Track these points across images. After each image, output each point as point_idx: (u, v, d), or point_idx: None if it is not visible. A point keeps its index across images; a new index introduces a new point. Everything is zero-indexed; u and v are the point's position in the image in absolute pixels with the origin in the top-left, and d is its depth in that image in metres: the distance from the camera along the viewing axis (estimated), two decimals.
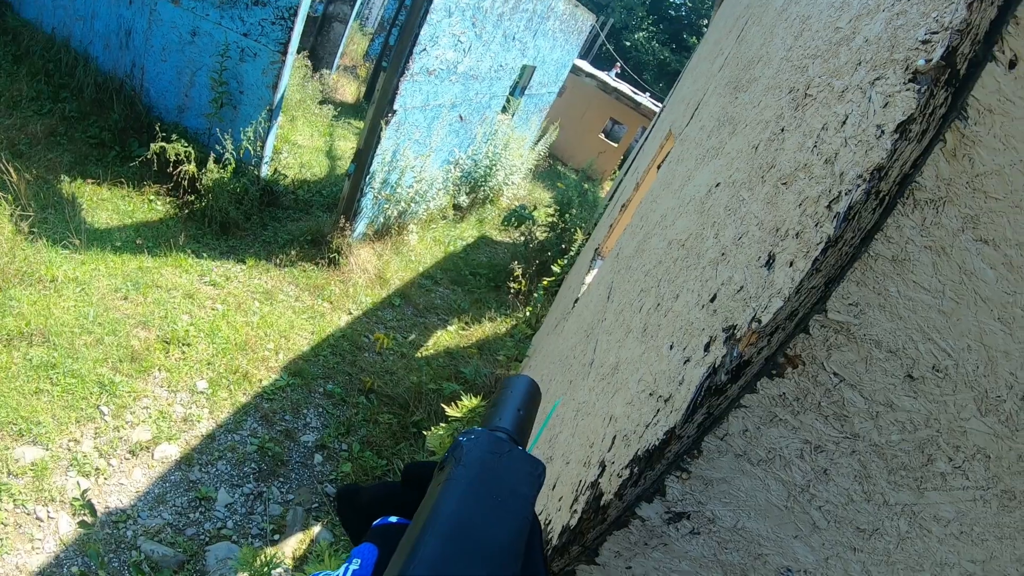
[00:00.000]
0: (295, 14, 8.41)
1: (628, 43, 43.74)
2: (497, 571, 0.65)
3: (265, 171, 9.60)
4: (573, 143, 24.93)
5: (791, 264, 1.31)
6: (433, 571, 0.62)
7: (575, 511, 1.78)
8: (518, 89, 15.45)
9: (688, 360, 1.59)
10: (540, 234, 12.56)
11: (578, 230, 11.43)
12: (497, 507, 0.71)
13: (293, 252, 9.08)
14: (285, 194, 10.29)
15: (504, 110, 14.59)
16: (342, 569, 0.76)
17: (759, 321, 1.31)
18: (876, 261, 1.21)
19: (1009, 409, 1.24)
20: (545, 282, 10.10)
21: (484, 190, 14.41)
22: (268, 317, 7.69)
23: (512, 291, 11.13)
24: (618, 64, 31.07)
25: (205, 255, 8.19)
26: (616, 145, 25.89)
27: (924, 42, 1.24)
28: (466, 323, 9.91)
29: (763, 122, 2.13)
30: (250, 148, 8.96)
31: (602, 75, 25.38)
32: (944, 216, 1.18)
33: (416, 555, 0.63)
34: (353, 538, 0.90)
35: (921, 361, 1.26)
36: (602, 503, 1.61)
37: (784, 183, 1.58)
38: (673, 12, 46.13)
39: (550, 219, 12.55)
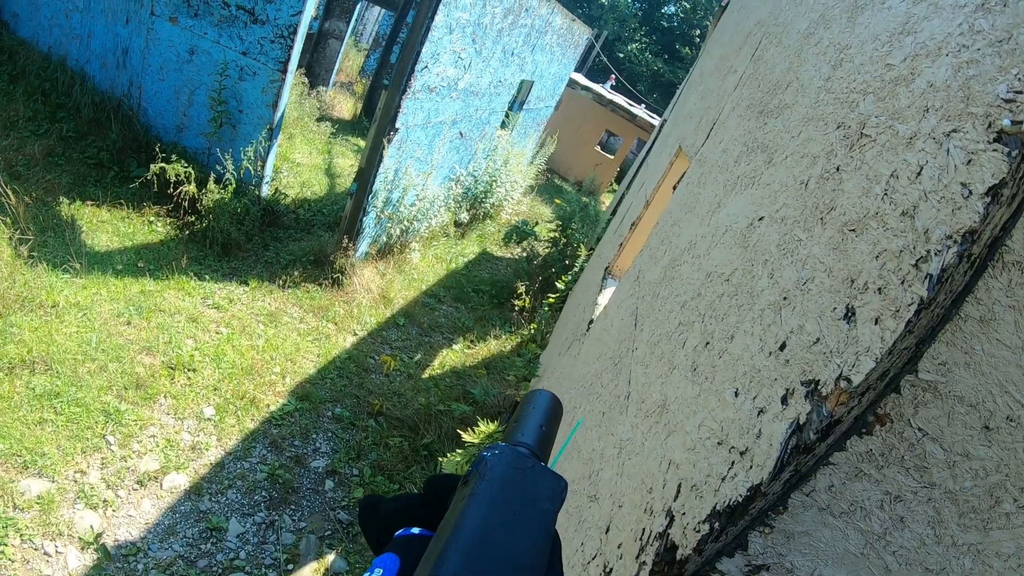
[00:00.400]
0: (294, 32, 8.38)
1: (621, 55, 43.92)
2: None
3: (266, 191, 9.56)
4: (570, 156, 24.96)
5: (876, 321, 1.28)
6: None
7: (643, 563, 1.74)
8: (517, 104, 15.46)
9: (763, 411, 1.54)
10: (542, 250, 12.53)
11: (581, 245, 11.38)
12: (521, 523, 0.71)
13: (296, 273, 9.02)
14: (286, 214, 10.24)
15: (503, 125, 14.59)
16: None
17: (848, 380, 1.27)
18: (965, 322, 1.22)
19: None
20: (550, 299, 10.04)
21: (485, 206, 14.40)
22: (273, 340, 7.61)
23: (516, 308, 11.08)
24: (613, 76, 31.21)
25: (207, 277, 8.12)
26: (612, 157, 25.94)
27: (1008, 100, 1.23)
28: (471, 341, 9.85)
29: (809, 156, 2.08)
30: (250, 168, 8.91)
31: (597, 87, 25.45)
32: None
33: (440, 568, 0.64)
34: (374, 549, 0.91)
35: (998, 412, 1.27)
36: (678, 557, 1.58)
37: (852, 230, 1.54)
38: (665, 23, 46.37)
39: (552, 234, 12.51)
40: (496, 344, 9.96)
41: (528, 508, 0.73)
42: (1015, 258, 1.17)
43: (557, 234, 12.31)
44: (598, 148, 26.16)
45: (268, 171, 9.34)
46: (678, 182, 4.91)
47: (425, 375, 8.51)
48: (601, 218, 13.73)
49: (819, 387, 1.36)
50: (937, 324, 1.20)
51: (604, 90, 25.60)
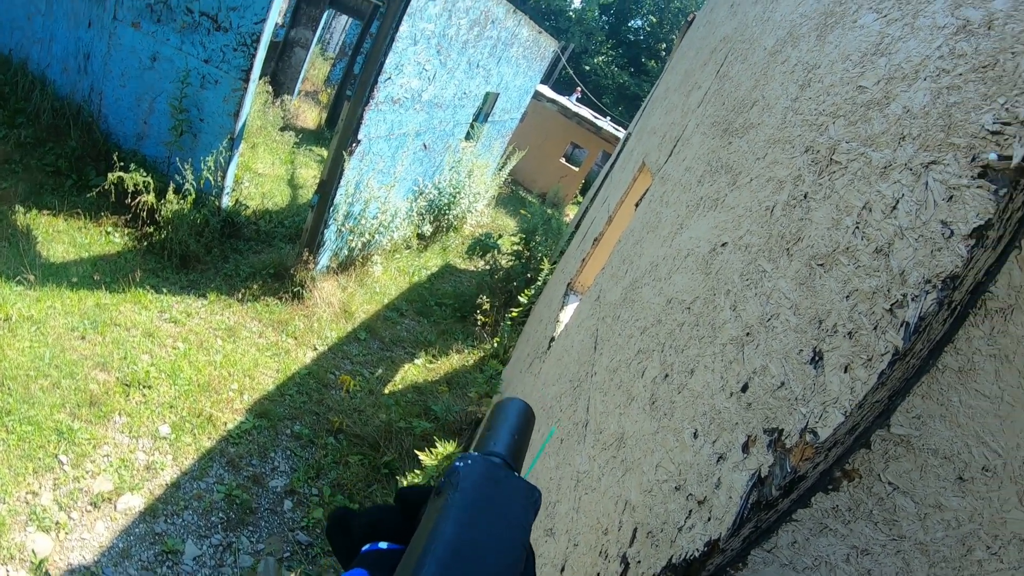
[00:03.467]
0: (257, 40, 8.29)
1: (588, 67, 44.12)
2: None
3: (226, 202, 9.42)
4: (535, 168, 24.98)
5: (846, 369, 1.24)
6: None
7: None
8: (481, 116, 15.42)
9: (723, 458, 1.50)
10: (505, 263, 12.47)
11: (544, 259, 11.35)
12: (495, 533, 0.71)
13: (256, 286, 8.89)
14: (247, 225, 10.09)
15: (468, 137, 14.54)
16: None
17: (815, 434, 1.23)
18: (943, 373, 1.17)
19: None
20: (513, 313, 9.99)
21: (448, 218, 14.33)
22: (231, 355, 7.48)
23: (479, 323, 11.02)
24: (579, 89, 31.31)
25: (165, 290, 7.97)
26: (577, 169, 26.02)
27: (994, 133, 1.17)
28: (433, 356, 9.77)
29: (775, 180, 2.05)
30: (211, 178, 8.78)
31: (563, 100, 25.52)
32: (1011, 324, 1.14)
33: None
34: (343, 564, 0.88)
35: (973, 463, 1.23)
36: None
37: (821, 264, 1.50)
38: (632, 37, 46.66)
39: (515, 247, 12.47)
40: (459, 359, 9.90)
41: (502, 519, 0.73)
42: (999, 305, 1.13)
43: (521, 247, 12.28)
44: (563, 160, 26.24)
45: (229, 181, 9.21)
46: (640, 199, 4.89)
47: (386, 391, 8.42)
48: (564, 231, 13.73)
49: (783, 437, 1.31)
50: (912, 376, 1.16)
51: (570, 103, 25.67)
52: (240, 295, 8.62)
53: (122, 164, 8.24)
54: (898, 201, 1.33)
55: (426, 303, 11.52)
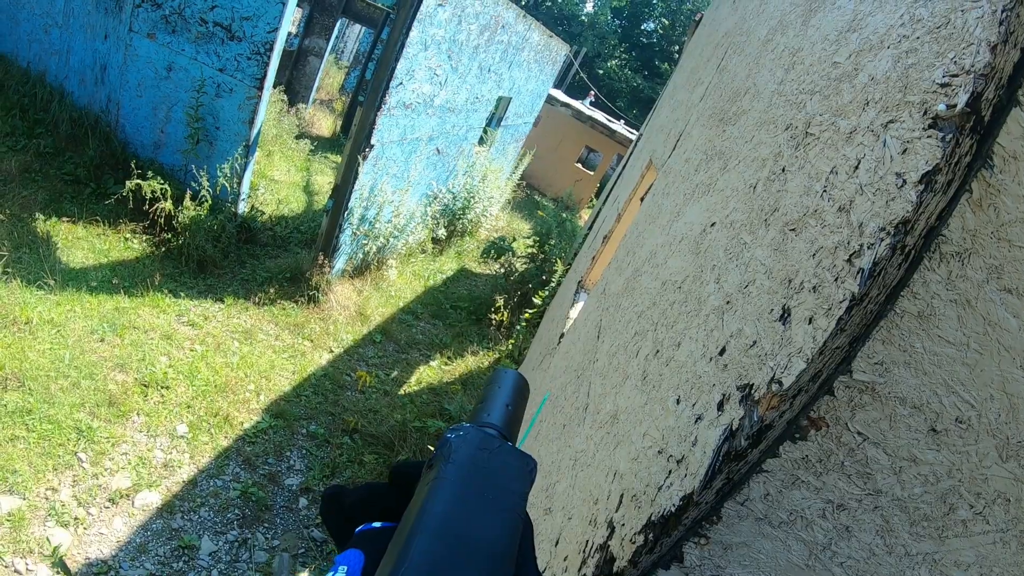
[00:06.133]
0: (271, 49, 8.39)
1: (601, 71, 44.12)
2: (491, 572, 0.63)
3: (242, 208, 9.53)
4: (549, 172, 24.99)
5: (810, 321, 1.26)
6: (425, 573, 0.59)
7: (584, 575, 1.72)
8: (494, 120, 15.48)
9: (700, 419, 1.54)
10: (520, 265, 12.51)
11: (558, 260, 11.38)
12: (489, 505, 0.69)
13: (272, 290, 8.99)
14: (263, 231, 10.21)
15: (481, 142, 14.60)
16: None
17: (780, 383, 1.26)
18: (902, 318, 1.18)
19: None
20: (527, 314, 10.03)
21: (462, 223, 14.38)
22: (248, 357, 7.58)
23: (493, 324, 11.07)
24: (592, 92, 31.32)
25: (183, 294, 8.08)
26: (592, 173, 26.00)
27: (943, 85, 1.20)
28: (448, 358, 9.83)
29: (759, 160, 2.09)
30: (227, 185, 8.89)
31: (576, 104, 25.53)
32: (970, 268, 1.15)
33: (407, 557, 0.61)
34: (337, 542, 0.86)
35: (945, 414, 1.23)
36: (615, 569, 1.55)
37: (792, 229, 1.54)
38: (644, 40, 46.60)
39: (530, 250, 12.52)
40: (474, 360, 9.95)
41: (497, 490, 0.72)
42: (953, 248, 1.15)
43: (535, 250, 12.32)
44: (578, 164, 26.22)
45: (245, 188, 9.33)
46: (645, 194, 4.93)
47: (402, 392, 8.48)
48: (578, 233, 13.75)
49: (752, 391, 1.35)
50: (871, 321, 1.18)
51: (583, 106, 25.70)
52: (257, 299, 8.72)
53: (139, 172, 8.35)
54: (860, 161, 1.36)
55: (441, 306, 11.58)
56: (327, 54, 18.58)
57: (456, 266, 13.74)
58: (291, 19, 8.74)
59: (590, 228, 12.01)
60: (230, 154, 8.92)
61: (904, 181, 1.18)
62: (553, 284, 10.29)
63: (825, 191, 1.47)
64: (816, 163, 1.59)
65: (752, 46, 3.26)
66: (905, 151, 1.22)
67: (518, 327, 10.03)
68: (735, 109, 2.90)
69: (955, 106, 1.14)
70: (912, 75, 1.32)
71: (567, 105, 24.86)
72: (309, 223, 11.57)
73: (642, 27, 46.93)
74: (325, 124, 19.28)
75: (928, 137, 1.18)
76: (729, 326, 1.64)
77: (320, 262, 9.25)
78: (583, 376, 3.47)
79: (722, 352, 1.60)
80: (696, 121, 3.99)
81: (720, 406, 1.46)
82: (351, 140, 8.56)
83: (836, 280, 1.25)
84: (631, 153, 11.47)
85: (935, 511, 1.30)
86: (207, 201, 8.67)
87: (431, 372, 9.28)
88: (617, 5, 45.91)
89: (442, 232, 13.34)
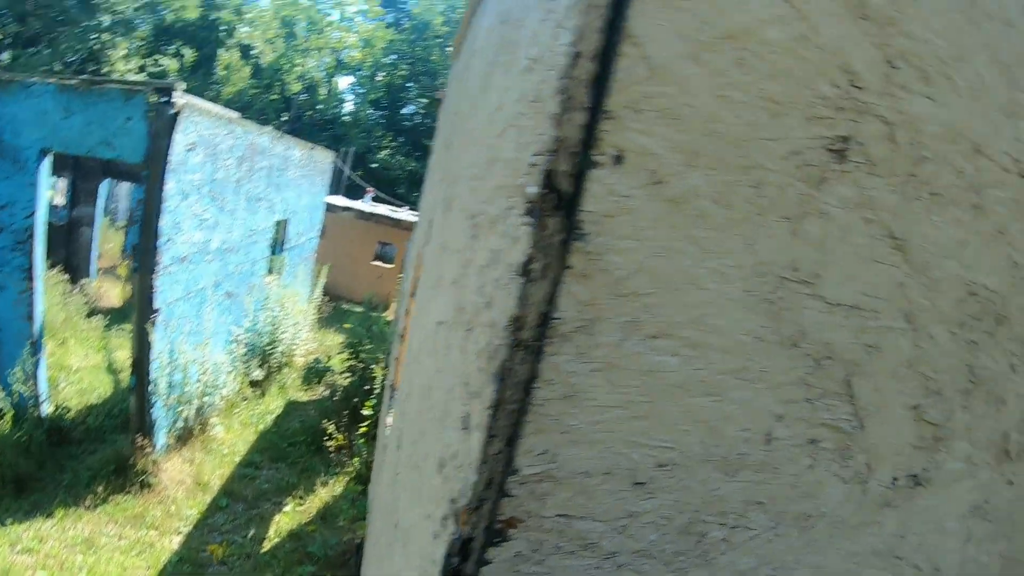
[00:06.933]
0: (32, 236, 7.96)
1: (375, 164, 44.54)
2: None
3: (46, 410, 8.90)
4: (350, 278, 24.83)
5: (479, 427, 1.26)
6: None
7: None
8: (278, 246, 15.27)
9: (437, 536, 1.52)
10: (342, 381, 12.31)
11: (376, 365, 11.28)
12: None
13: (100, 488, 8.35)
14: (74, 428, 9.52)
15: (270, 271, 14.36)
16: None
17: (466, 496, 1.25)
18: (544, 406, 1.17)
19: (757, 458, 1.26)
20: (362, 428, 9.85)
21: (275, 357, 13.99)
22: (95, 568, 6.97)
23: (332, 449, 10.78)
24: (370, 189, 31.53)
25: (9, 521, 7.38)
26: (391, 266, 26.07)
27: (532, 165, 1.21)
28: (300, 498, 9.46)
29: (458, 252, 2.12)
30: (23, 390, 8.29)
31: (357, 204, 25.67)
32: (600, 335, 1.17)
33: None
34: None
35: (643, 465, 1.24)
36: None
37: (469, 329, 1.56)
38: (408, 123, 47.55)
39: (348, 363, 12.34)
40: (326, 491, 9.64)
41: None
42: (574, 325, 1.16)
43: (353, 361, 12.17)
44: (376, 262, 26.25)
45: (43, 388, 8.74)
46: (415, 289, 4.96)
47: (264, 549, 8.08)
48: (388, 330, 13.71)
49: (455, 504, 1.34)
50: (517, 420, 1.19)
51: (365, 205, 25.87)
52: (87, 503, 8.08)
53: None
54: (498, 253, 1.38)
55: (279, 448, 11.14)
56: (99, 219, 17.89)
57: (282, 402, 13.30)
58: (46, 199, 8.34)
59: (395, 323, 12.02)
60: (18, 356, 8.33)
61: (514, 273, 1.19)
62: (377, 391, 10.16)
63: (481, 288, 1.49)
64: (479, 256, 1.61)
65: (462, 124, 3.33)
66: (516, 240, 1.24)
67: (356, 443, 9.82)
68: (452, 193, 2.95)
69: (537, 187, 1.16)
70: (523, 157, 1.32)
71: (348, 208, 24.93)
72: (119, 405, 10.90)
73: (403, 112, 47.91)
74: (114, 293, 18.38)
75: (525, 224, 1.19)
76: (446, 437, 1.64)
77: (140, 444, 8.71)
78: (395, 490, 3.41)
79: (443, 467, 1.59)
80: (435, 206, 4.04)
81: (444, 521, 1.45)
82: (136, 310, 8.23)
83: (483, 386, 1.25)
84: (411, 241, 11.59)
85: (685, 545, 1.31)
86: (7, 412, 8.07)
87: (287, 518, 8.89)
88: (374, 97, 46.68)
89: (258, 373, 12.94)
